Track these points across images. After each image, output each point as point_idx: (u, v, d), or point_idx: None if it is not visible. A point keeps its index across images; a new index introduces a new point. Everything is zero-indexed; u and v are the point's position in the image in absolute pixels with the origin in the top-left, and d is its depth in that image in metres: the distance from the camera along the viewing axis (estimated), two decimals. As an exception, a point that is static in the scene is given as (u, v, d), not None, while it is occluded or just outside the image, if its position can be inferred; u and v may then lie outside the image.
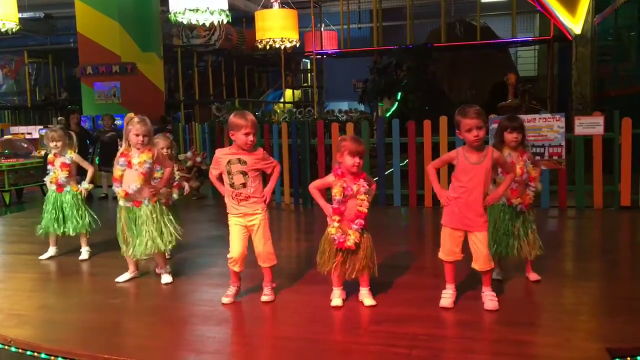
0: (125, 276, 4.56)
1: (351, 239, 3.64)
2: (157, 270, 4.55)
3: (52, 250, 5.44)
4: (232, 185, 3.82)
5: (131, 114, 4.39)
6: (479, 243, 3.62)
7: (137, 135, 4.27)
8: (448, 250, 3.70)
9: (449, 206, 3.68)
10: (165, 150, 4.88)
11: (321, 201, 3.76)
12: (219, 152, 3.90)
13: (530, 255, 4.12)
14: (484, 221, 3.64)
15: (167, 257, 5.08)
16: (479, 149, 3.60)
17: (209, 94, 18.66)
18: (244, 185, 3.80)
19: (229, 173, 3.81)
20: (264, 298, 3.90)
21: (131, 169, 4.32)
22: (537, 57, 19.74)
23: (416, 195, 7.71)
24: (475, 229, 3.61)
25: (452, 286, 3.75)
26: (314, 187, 3.83)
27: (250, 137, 3.75)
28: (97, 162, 9.75)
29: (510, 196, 4.06)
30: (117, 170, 4.37)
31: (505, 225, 4.10)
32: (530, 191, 4.09)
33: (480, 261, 3.64)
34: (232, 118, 3.80)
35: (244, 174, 3.79)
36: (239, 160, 3.79)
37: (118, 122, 11.48)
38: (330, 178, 3.74)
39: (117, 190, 4.36)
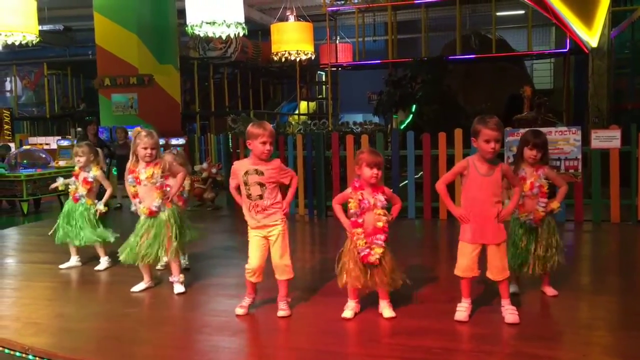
0: (141, 286, 4.60)
1: (375, 254, 3.64)
2: (171, 279, 4.57)
3: (73, 260, 5.47)
4: (249, 196, 3.83)
5: (138, 128, 4.45)
6: (496, 253, 3.59)
7: (145, 148, 4.34)
8: (465, 266, 3.67)
9: (464, 222, 3.66)
10: None
11: (342, 217, 3.76)
12: (236, 164, 3.94)
13: (543, 268, 4.05)
14: (502, 232, 3.62)
15: (187, 267, 5.12)
16: (491, 162, 3.58)
17: (224, 105, 18.79)
18: (261, 197, 3.81)
19: (245, 184, 3.82)
20: (280, 313, 3.87)
21: (141, 185, 4.39)
22: (553, 69, 19.66)
23: (431, 207, 7.69)
24: (493, 241, 3.59)
25: (468, 300, 3.73)
26: (335, 202, 3.85)
27: (267, 146, 3.77)
28: (114, 173, 9.84)
29: (519, 211, 4.01)
30: (129, 187, 4.46)
31: (519, 240, 4.05)
32: (541, 207, 4.02)
33: (494, 271, 3.62)
34: (250, 127, 3.83)
35: (261, 185, 3.80)
36: (256, 171, 3.80)
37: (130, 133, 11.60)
38: (348, 190, 3.76)
39: (139, 207, 4.42)
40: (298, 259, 5.63)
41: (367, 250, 3.64)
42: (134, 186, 4.43)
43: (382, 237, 3.66)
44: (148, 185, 4.37)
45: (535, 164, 3.99)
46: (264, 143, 3.76)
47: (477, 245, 3.63)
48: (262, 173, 3.80)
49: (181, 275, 4.58)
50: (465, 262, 3.66)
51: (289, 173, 3.97)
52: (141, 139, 4.35)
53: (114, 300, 4.51)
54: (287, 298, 3.96)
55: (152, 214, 4.39)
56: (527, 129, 4.29)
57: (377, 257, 3.64)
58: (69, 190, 5.40)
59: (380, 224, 3.66)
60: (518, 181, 3.83)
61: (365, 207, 3.66)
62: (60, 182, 5.61)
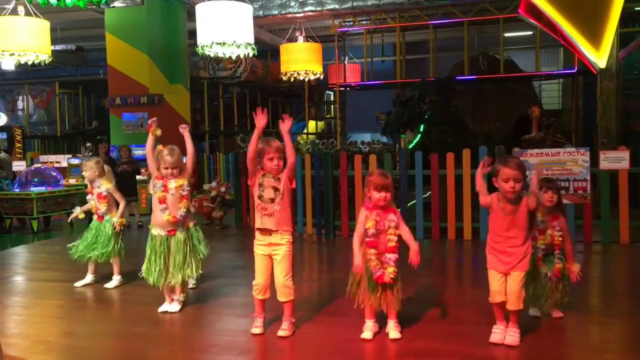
0: (167, 307, 4.56)
1: (388, 274, 3.66)
2: (172, 297, 4.57)
3: (89, 278, 5.49)
4: (260, 197, 3.85)
5: (160, 147, 4.50)
6: (513, 282, 3.59)
7: (167, 168, 4.42)
8: (496, 291, 3.64)
9: (490, 251, 3.66)
10: None
11: (356, 250, 3.72)
12: (258, 172, 3.92)
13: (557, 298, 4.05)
14: (525, 263, 3.60)
15: (194, 287, 5.13)
16: (513, 202, 3.56)
17: (233, 124, 18.90)
18: (272, 200, 3.82)
19: (260, 185, 3.85)
20: (280, 333, 3.86)
21: (168, 193, 4.42)
22: (562, 90, 19.65)
23: (439, 227, 7.68)
24: (518, 269, 3.58)
25: (504, 323, 3.69)
26: (356, 235, 3.79)
27: (275, 162, 3.80)
28: None
29: (538, 264, 4.00)
30: (157, 192, 4.45)
31: (539, 289, 4.04)
32: (557, 259, 4.01)
33: (512, 298, 3.60)
34: (258, 145, 3.85)
35: (275, 189, 3.82)
36: (274, 178, 3.84)
37: (139, 151, 11.69)
38: (362, 216, 3.77)
39: (165, 213, 4.41)
40: (305, 279, 5.64)
41: (382, 270, 3.65)
42: (162, 191, 4.44)
43: (394, 256, 3.68)
44: (176, 195, 4.43)
45: (553, 209, 4.01)
46: (271, 159, 3.80)
47: (503, 275, 3.62)
48: (278, 179, 3.84)
49: (182, 294, 4.59)
50: (495, 289, 3.64)
51: (290, 173, 3.89)
52: (162, 158, 4.41)
53: (123, 319, 4.52)
54: (292, 318, 3.96)
55: (175, 220, 4.41)
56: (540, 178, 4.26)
57: (391, 277, 3.66)
58: (90, 208, 5.45)
59: (391, 244, 3.69)
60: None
61: (381, 230, 3.69)
62: (78, 211, 5.57)
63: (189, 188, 4.50)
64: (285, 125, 3.86)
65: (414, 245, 3.70)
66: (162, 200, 4.43)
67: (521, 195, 3.58)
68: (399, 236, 3.74)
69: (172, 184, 4.43)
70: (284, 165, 3.85)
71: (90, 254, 5.35)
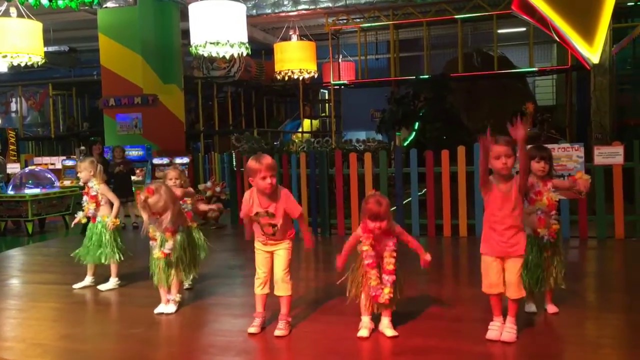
0: (163, 308, 4.55)
1: (385, 295, 3.68)
2: (167, 297, 4.56)
3: (88, 280, 5.45)
4: (261, 228, 3.87)
5: (146, 194, 4.36)
6: (512, 269, 3.59)
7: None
8: (491, 282, 3.64)
9: (486, 233, 3.66)
10: (173, 180, 5.00)
11: (346, 251, 3.79)
12: (245, 200, 3.87)
13: (552, 285, 4.06)
14: (521, 246, 3.61)
15: (189, 287, 5.13)
16: (507, 179, 3.59)
17: (228, 124, 18.87)
18: (274, 234, 3.85)
19: (257, 222, 3.85)
20: (277, 333, 3.86)
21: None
22: (555, 86, 19.70)
23: (434, 224, 7.69)
24: (512, 253, 3.58)
25: (500, 319, 3.68)
26: (348, 244, 3.84)
27: (268, 180, 3.70)
28: None
29: (537, 226, 4.01)
30: (151, 230, 4.52)
31: (535, 257, 4.04)
32: (554, 220, 4.05)
33: (511, 288, 3.60)
34: (249, 163, 3.77)
35: (273, 226, 3.82)
36: (267, 213, 3.80)
37: (133, 152, 11.67)
38: (359, 231, 3.77)
39: (155, 252, 4.48)
40: (302, 278, 5.63)
41: (380, 290, 3.67)
42: (153, 232, 4.50)
43: (391, 278, 3.70)
44: (166, 232, 4.44)
45: (544, 177, 4.03)
46: (264, 178, 3.70)
47: (496, 258, 3.62)
48: (272, 215, 3.79)
49: (178, 295, 4.58)
50: (490, 278, 3.64)
51: (297, 209, 3.91)
52: (147, 205, 4.35)
53: (120, 321, 4.52)
54: (288, 317, 3.95)
55: (165, 256, 4.44)
56: (530, 146, 4.31)
57: (386, 298, 3.68)
58: (83, 207, 5.43)
59: (390, 267, 3.70)
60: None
61: (378, 254, 3.71)
62: (81, 216, 5.48)
63: (174, 222, 4.44)
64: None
65: (425, 256, 3.79)
66: (154, 238, 4.48)
67: (513, 174, 3.62)
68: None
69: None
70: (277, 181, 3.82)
71: (88, 256, 5.33)
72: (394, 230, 3.76)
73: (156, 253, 4.44)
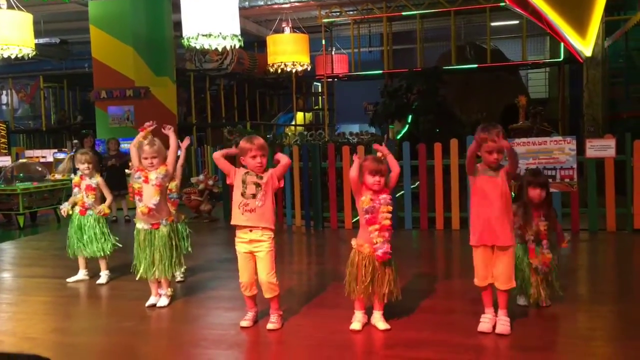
0: (154, 300, 4.54)
1: (387, 251, 3.68)
2: (160, 291, 4.55)
3: (81, 274, 5.44)
4: (242, 194, 3.81)
5: (139, 138, 4.41)
6: (502, 258, 3.59)
7: (146, 159, 4.35)
8: (482, 274, 3.65)
9: (473, 222, 3.66)
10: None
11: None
12: (239, 171, 3.87)
13: (543, 300, 4.05)
14: (510, 236, 3.60)
15: (182, 280, 5.12)
16: (495, 168, 3.61)
17: (221, 117, 18.81)
18: (254, 196, 3.79)
19: (243, 182, 3.81)
20: (269, 326, 3.85)
21: (148, 184, 4.37)
22: (548, 79, 19.73)
23: (427, 217, 7.69)
24: (500, 242, 3.58)
25: (491, 310, 3.70)
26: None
27: (258, 159, 3.76)
28: None
29: (529, 257, 4.00)
30: (135, 183, 4.43)
31: (520, 262, 4.02)
32: (546, 250, 4.02)
33: (500, 279, 3.60)
34: (241, 143, 3.84)
35: (257, 185, 3.79)
36: (256, 176, 3.81)
37: (126, 145, 11.57)
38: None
39: (139, 205, 4.39)
40: (294, 271, 5.63)
41: (385, 245, 3.67)
42: (139, 184, 4.40)
43: (388, 233, 3.72)
44: (154, 186, 4.36)
45: (541, 204, 4.01)
46: (254, 157, 3.75)
47: (485, 247, 3.62)
48: (261, 177, 3.81)
49: (170, 289, 4.57)
50: (481, 270, 3.65)
51: (280, 172, 3.90)
52: (142, 149, 4.35)
53: (111, 314, 4.50)
54: (279, 311, 3.95)
55: (150, 212, 4.35)
56: (529, 170, 4.27)
57: (389, 252, 3.68)
58: (76, 201, 5.39)
59: (386, 222, 3.70)
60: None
61: (377, 207, 3.70)
62: (67, 207, 5.43)
63: (162, 178, 4.38)
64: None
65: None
66: (138, 192, 4.39)
67: (501, 164, 3.64)
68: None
69: (152, 175, 4.37)
70: (268, 163, 3.82)
71: (84, 251, 5.30)
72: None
73: (141, 207, 4.36)
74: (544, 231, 4.01)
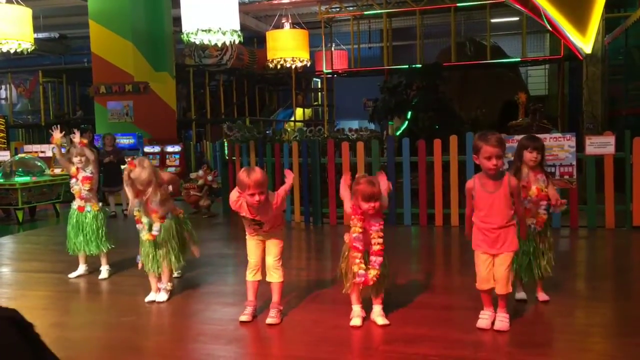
0: (154, 296, 4.54)
1: (372, 275, 3.65)
2: (159, 285, 4.56)
3: (82, 269, 5.44)
4: (249, 224, 3.91)
5: (130, 167, 4.31)
6: (501, 263, 3.58)
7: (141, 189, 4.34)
8: (484, 278, 3.64)
9: (477, 231, 3.64)
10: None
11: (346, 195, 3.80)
12: (234, 204, 3.85)
13: (542, 274, 4.08)
14: (514, 243, 3.59)
15: (178, 275, 5.12)
16: (495, 177, 3.56)
17: (220, 112, 18.80)
18: (261, 228, 3.90)
19: (244, 217, 3.88)
20: (269, 321, 3.86)
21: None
22: (548, 76, 19.74)
23: (426, 214, 7.70)
24: (506, 249, 3.57)
25: (491, 309, 3.70)
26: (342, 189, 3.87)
27: (257, 197, 3.67)
28: (101, 182, 9.80)
29: (526, 215, 4.01)
30: (134, 211, 4.48)
31: (524, 245, 4.04)
32: (543, 210, 4.06)
33: (500, 284, 3.60)
34: (240, 174, 3.74)
35: (259, 224, 3.87)
36: (255, 222, 3.85)
37: (124, 140, 11.58)
38: (349, 204, 3.74)
39: (143, 234, 4.46)
40: (294, 266, 5.63)
41: (365, 274, 3.64)
42: (138, 212, 4.47)
43: (379, 259, 3.67)
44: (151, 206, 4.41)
45: (535, 167, 4.03)
46: (252, 195, 3.67)
47: (489, 255, 3.61)
48: (261, 224, 3.86)
49: (169, 283, 4.58)
50: (483, 274, 3.63)
51: (280, 197, 3.89)
52: (134, 185, 4.31)
53: (110, 309, 4.50)
54: (280, 306, 3.96)
55: (154, 238, 4.42)
56: (523, 135, 4.31)
57: (372, 277, 3.65)
58: (73, 191, 5.40)
59: (376, 247, 3.67)
60: (521, 202, 3.78)
61: (366, 240, 3.69)
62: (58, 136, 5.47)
63: (161, 202, 4.40)
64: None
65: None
66: (138, 221, 4.47)
67: (503, 171, 3.60)
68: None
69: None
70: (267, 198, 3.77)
71: (86, 248, 5.31)
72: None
73: (144, 235, 4.42)
74: (544, 192, 4.02)
